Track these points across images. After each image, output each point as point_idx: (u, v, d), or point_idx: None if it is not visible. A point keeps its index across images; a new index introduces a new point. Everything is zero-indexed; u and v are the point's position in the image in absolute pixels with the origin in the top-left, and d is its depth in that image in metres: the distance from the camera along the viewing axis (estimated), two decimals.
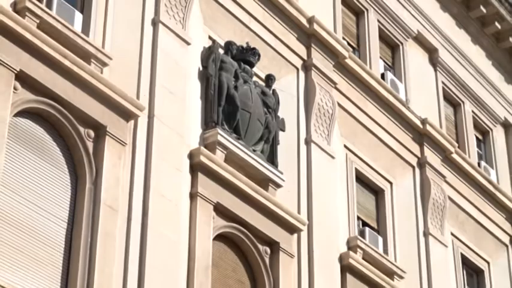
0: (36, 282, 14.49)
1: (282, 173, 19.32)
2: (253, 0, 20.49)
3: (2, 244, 14.15)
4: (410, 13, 25.92)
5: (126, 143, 16.41)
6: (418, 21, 26.14)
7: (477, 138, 27.67)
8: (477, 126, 27.74)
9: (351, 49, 22.93)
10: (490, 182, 26.43)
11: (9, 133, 14.69)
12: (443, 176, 24.57)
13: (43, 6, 15.88)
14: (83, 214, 15.42)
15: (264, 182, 18.92)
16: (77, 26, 16.45)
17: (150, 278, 15.87)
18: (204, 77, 18.67)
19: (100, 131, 16.07)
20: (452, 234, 24.47)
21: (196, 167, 17.60)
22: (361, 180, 22.24)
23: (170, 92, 17.62)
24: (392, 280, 21.43)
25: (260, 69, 19.88)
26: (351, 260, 20.34)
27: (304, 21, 21.48)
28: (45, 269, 14.71)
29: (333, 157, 21.20)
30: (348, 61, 22.53)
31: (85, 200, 15.54)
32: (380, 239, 21.92)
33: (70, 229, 15.32)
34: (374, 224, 22.26)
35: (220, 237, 17.91)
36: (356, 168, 22.06)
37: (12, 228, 14.40)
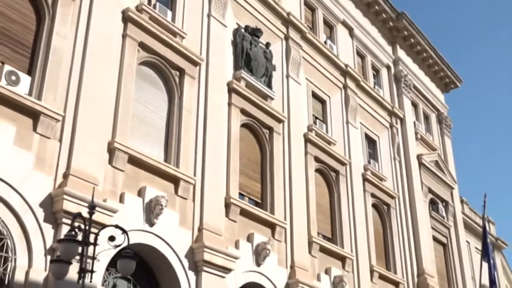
0: (151, 147, 14.56)
1: (274, 93, 19.09)
2: (259, 4, 20.00)
3: (134, 128, 14.14)
4: (339, 9, 25.24)
5: (195, 78, 16.26)
6: (344, 14, 25.46)
7: (373, 74, 27.21)
8: (373, 67, 27.21)
9: (309, 28, 22.44)
10: (371, 96, 25.62)
11: (136, 73, 14.63)
12: (356, 93, 24.25)
13: (151, 8, 15.64)
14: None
15: (265, 96, 18.71)
16: (169, 17, 16.16)
17: (209, 146, 15.94)
18: (234, 44, 18.33)
19: (181, 72, 15.91)
20: (360, 122, 24.30)
21: (230, 90, 17.43)
22: (314, 96, 21.94)
23: (217, 52, 17.33)
24: (330, 145, 21.36)
25: (263, 40, 19.49)
26: (309, 136, 20.24)
27: (285, 14, 20.96)
28: (156, 141, 14.79)
29: (300, 84, 20.89)
30: (308, 35, 22.01)
31: (175, 106, 15.49)
32: (324, 125, 21.77)
33: (167, 120, 15.30)
34: (322, 118, 22.07)
35: (243, 125, 17.83)
36: (312, 90, 21.77)
37: (139, 121, 14.47)
